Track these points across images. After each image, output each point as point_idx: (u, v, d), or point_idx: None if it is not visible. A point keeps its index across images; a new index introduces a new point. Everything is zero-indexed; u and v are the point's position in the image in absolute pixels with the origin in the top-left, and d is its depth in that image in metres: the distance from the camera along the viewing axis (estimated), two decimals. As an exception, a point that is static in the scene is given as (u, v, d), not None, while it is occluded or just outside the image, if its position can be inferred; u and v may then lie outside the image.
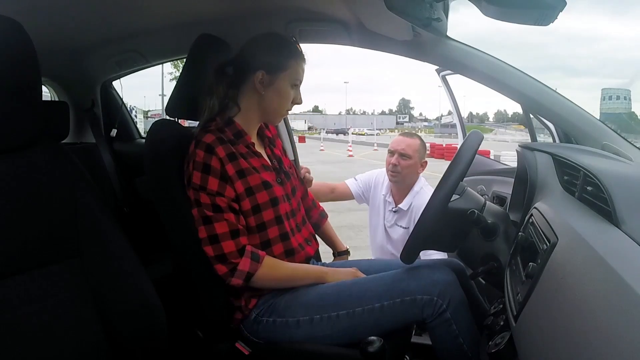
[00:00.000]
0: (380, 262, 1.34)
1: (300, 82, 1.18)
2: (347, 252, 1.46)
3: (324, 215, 1.46)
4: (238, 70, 1.15)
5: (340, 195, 2.06)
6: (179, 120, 1.31)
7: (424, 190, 1.90)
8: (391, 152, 1.90)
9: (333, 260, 1.46)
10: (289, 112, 1.22)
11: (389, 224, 1.97)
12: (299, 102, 1.20)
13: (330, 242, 1.48)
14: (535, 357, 0.64)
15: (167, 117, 1.30)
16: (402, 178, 1.87)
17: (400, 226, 1.93)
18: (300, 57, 1.17)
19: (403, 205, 1.90)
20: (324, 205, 1.55)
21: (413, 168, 1.87)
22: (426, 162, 1.95)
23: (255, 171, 1.13)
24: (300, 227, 1.24)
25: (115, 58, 1.89)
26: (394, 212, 1.94)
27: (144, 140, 2.26)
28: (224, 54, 1.25)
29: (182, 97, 1.24)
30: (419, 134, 2.15)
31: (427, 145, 2.01)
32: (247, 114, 1.17)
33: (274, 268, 1.11)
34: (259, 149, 1.21)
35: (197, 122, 1.19)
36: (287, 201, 1.20)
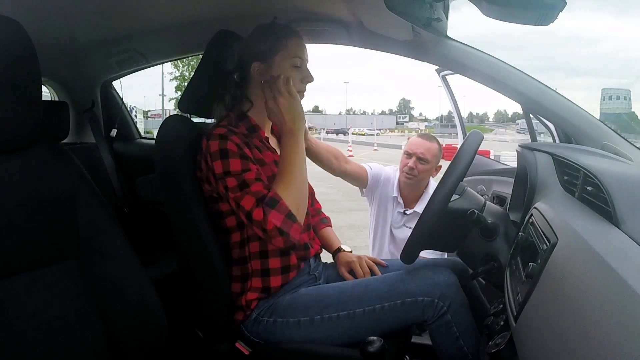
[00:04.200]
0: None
1: (302, 59, 1.14)
2: (340, 250, 1.36)
3: (324, 221, 1.44)
4: (241, 70, 1.16)
5: (353, 173, 1.90)
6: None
7: None
8: (408, 155, 1.84)
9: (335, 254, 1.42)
10: (303, 92, 1.16)
11: (396, 225, 1.94)
12: (310, 80, 1.16)
13: (327, 244, 1.40)
14: (535, 357, 0.63)
15: (180, 113, 1.30)
16: (417, 181, 1.85)
17: (410, 228, 1.89)
18: (289, 34, 1.13)
19: (419, 209, 1.85)
20: (323, 205, 1.53)
21: (429, 172, 1.85)
22: (441, 166, 1.90)
23: (267, 165, 1.12)
24: (304, 230, 1.24)
25: (115, 58, 1.89)
26: (405, 214, 1.91)
27: (144, 140, 2.26)
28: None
29: (196, 93, 1.24)
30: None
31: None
32: (260, 108, 1.17)
33: (286, 190, 1.02)
34: (274, 146, 1.21)
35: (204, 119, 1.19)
36: None
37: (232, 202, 1.04)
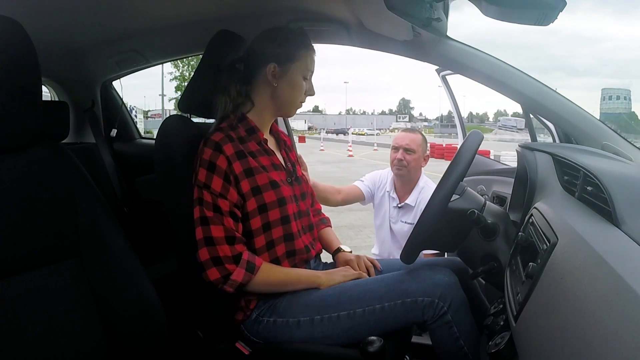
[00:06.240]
0: (382, 261, 1.34)
1: (312, 74, 1.19)
2: (339, 250, 1.36)
3: (324, 222, 1.44)
4: (249, 66, 1.16)
5: (349, 196, 2.08)
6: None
7: (428, 185, 1.96)
8: (395, 148, 1.96)
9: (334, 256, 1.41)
10: (303, 103, 1.22)
11: (393, 220, 2.00)
12: (312, 94, 1.21)
13: (327, 245, 1.40)
14: (535, 357, 0.63)
15: (180, 113, 1.30)
16: (407, 172, 1.94)
17: (405, 222, 1.96)
18: (309, 47, 1.18)
19: (410, 201, 1.95)
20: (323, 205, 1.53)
21: (417, 162, 1.95)
22: (429, 155, 2.03)
23: (264, 170, 1.13)
24: (306, 230, 1.24)
25: (115, 58, 1.89)
26: (399, 208, 1.98)
27: (144, 140, 2.26)
28: (241, 50, 1.25)
29: (196, 93, 1.24)
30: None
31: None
32: (261, 109, 1.18)
33: (268, 274, 1.11)
34: (273, 147, 1.22)
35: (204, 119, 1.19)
36: (294, 202, 1.19)
37: (198, 214, 1.07)
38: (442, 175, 1.06)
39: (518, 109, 1.53)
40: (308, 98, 1.22)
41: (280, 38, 1.15)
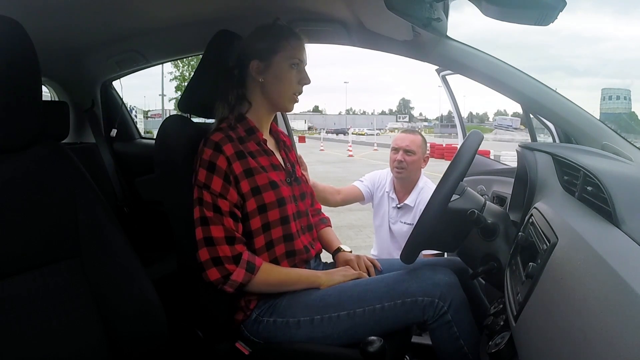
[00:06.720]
0: (382, 261, 1.34)
1: (301, 61, 1.16)
2: (339, 250, 1.36)
3: (324, 221, 1.44)
4: (239, 69, 1.17)
5: (348, 197, 2.08)
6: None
7: (427, 186, 1.96)
8: (395, 150, 1.96)
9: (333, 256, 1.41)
10: (299, 94, 1.19)
11: (393, 220, 2.00)
12: (307, 82, 1.18)
13: (327, 245, 1.40)
14: (535, 357, 0.63)
15: (180, 113, 1.30)
16: (407, 174, 1.94)
17: (404, 222, 1.96)
18: (290, 35, 1.15)
19: (409, 201, 1.95)
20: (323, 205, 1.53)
21: (417, 163, 1.95)
22: (428, 156, 2.02)
23: (263, 170, 1.13)
24: (305, 230, 1.24)
25: (115, 58, 1.90)
26: (398, 208, 1.98)
27: (144, 140, 2.26)
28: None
29: (196, 93, 1.24)
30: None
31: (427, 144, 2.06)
32: (257, 108, 1.18)
33: (268, 274, 1.11)
34: (272, 148, 1.22)
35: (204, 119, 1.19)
36: (294, 202, 1.19)
37: (198, 215, 1.07)
38: (442, 175, 1.06)
39: (518, 108, 1.53)
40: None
41: (259, 34, 1.16)
